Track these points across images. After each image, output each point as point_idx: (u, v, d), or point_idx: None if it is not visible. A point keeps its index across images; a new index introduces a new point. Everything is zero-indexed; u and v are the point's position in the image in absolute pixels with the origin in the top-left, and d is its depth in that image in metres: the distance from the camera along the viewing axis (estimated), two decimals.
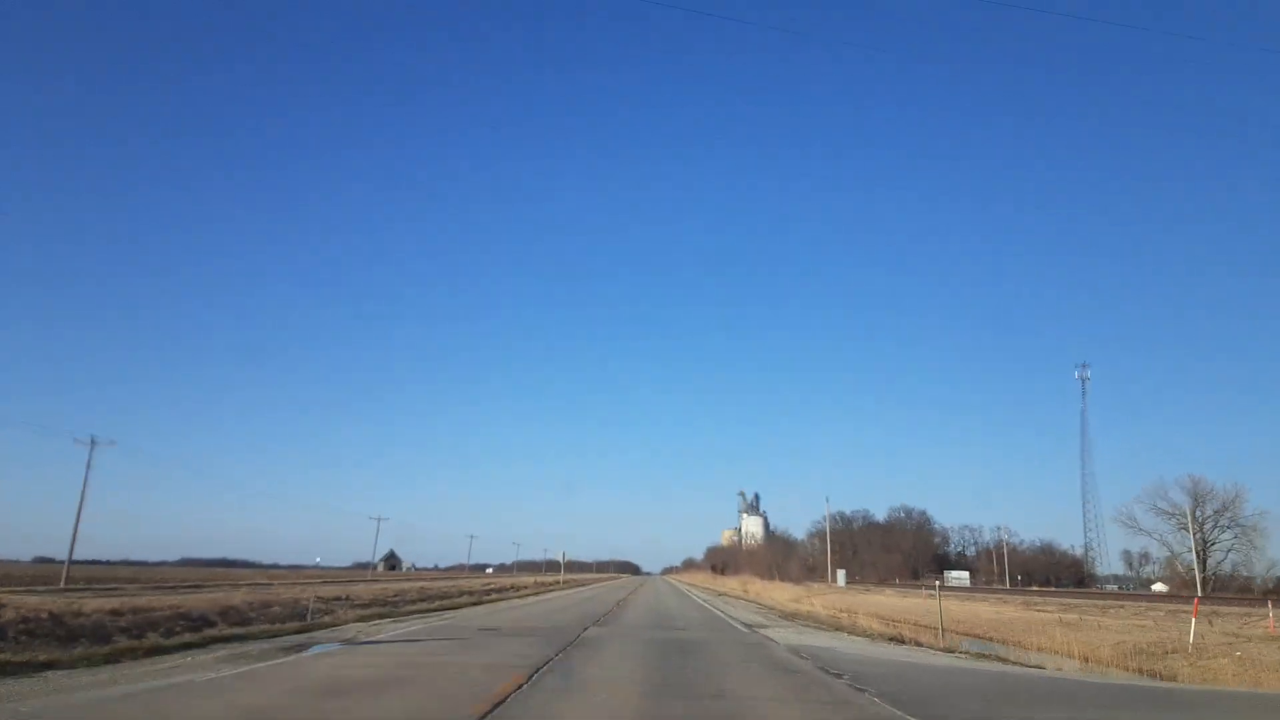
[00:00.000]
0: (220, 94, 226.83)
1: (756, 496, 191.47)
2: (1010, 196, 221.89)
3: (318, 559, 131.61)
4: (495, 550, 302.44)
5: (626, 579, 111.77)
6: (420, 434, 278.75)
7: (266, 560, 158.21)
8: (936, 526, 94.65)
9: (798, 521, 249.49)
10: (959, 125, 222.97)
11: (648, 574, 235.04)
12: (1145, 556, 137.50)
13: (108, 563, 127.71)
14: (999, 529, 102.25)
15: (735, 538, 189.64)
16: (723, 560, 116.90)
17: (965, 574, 78.02)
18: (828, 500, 70.24)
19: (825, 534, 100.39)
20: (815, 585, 57.91)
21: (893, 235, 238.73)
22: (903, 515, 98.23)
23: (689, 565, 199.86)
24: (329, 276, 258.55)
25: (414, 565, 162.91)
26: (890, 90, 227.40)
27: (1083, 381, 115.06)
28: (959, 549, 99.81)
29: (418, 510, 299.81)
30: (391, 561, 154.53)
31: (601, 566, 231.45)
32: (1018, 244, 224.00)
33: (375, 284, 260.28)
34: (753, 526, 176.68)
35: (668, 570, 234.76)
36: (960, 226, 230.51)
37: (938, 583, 34.82)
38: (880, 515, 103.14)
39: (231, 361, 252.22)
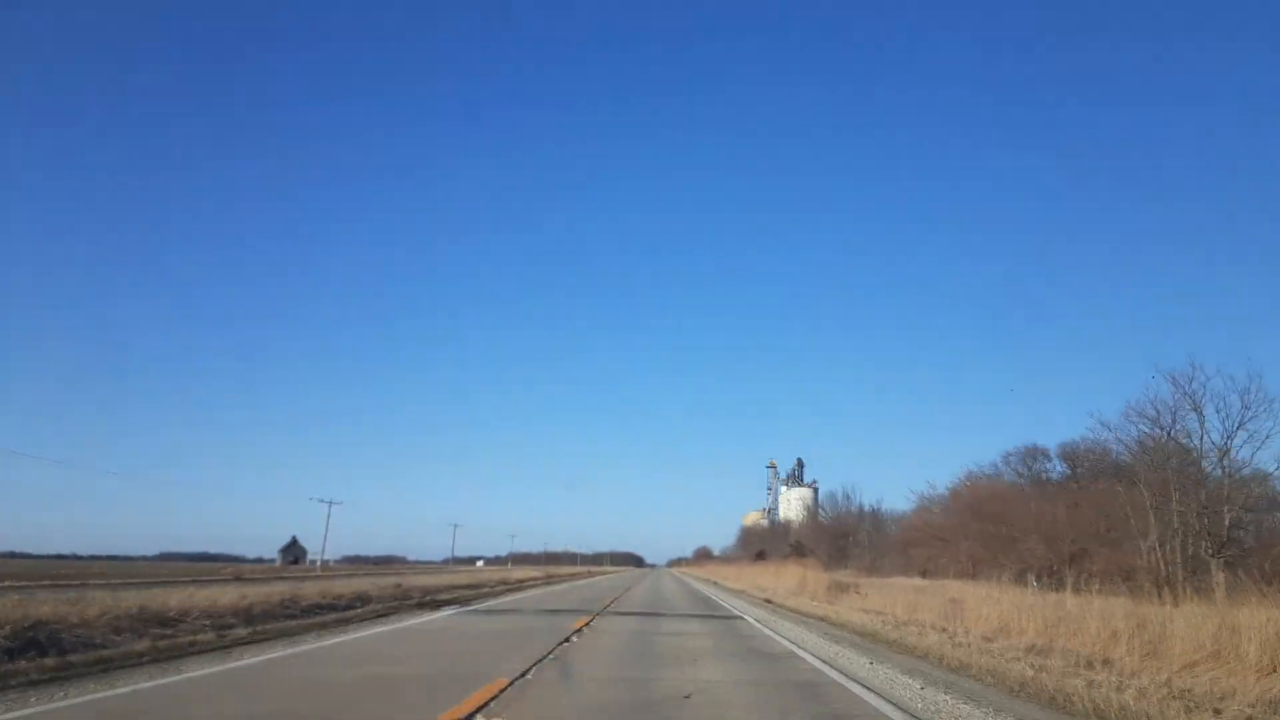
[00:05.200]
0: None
1: (799, 464, 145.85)
2: None
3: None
4: (525, 541, 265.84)
5: (617, 576, 73.85)
6: (410, 423, 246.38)
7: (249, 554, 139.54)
8: None
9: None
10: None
11: (652, 566, 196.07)
12: None
13: (78, 557, 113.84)
14: None
15: (765, 520, 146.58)
16: (788, 544, 73.04)
17: None
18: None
19: (959, 499, 56.27)
20: None
21: None
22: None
23: (703, 556, 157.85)
24: (322, 273, 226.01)
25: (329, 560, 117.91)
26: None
27: None
28: None
29: (408, 502, 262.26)
30: (294, 553, 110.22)
31: (599, 558, 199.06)
32: None
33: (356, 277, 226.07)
34: (797, 501, 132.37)
35: (675, 562, 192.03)
36: None
37: None
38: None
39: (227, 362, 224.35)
